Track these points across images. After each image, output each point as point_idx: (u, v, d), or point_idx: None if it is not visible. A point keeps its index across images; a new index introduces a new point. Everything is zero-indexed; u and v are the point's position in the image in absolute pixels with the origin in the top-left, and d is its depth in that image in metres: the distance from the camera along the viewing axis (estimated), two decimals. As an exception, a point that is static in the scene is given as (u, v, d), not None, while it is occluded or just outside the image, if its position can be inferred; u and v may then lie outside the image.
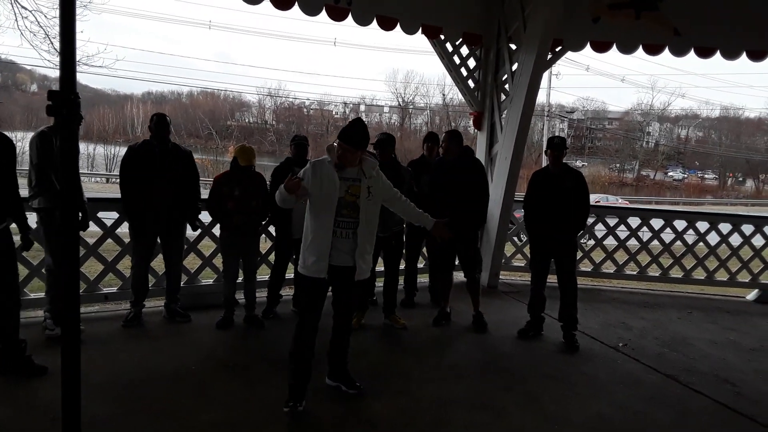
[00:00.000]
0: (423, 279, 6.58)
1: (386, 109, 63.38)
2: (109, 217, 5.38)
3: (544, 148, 5.25)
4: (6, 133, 3.95)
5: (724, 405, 4.13)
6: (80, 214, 4.58)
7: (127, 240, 5.29)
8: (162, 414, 3.51)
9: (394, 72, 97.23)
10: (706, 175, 59.32)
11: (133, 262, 5.12)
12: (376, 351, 4.78)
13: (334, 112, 63.11)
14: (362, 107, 61.81)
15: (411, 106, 62.30)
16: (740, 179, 58.58)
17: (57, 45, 12.17)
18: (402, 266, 5.85)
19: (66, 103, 1.21)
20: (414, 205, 4.02)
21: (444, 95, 57.94)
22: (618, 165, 58.79)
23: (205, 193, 5.24)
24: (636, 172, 58.43)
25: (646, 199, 41.23)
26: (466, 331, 5.43)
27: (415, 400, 3.89)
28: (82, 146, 41.59)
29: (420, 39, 6.82)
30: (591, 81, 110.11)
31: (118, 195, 4.99)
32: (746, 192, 54.35)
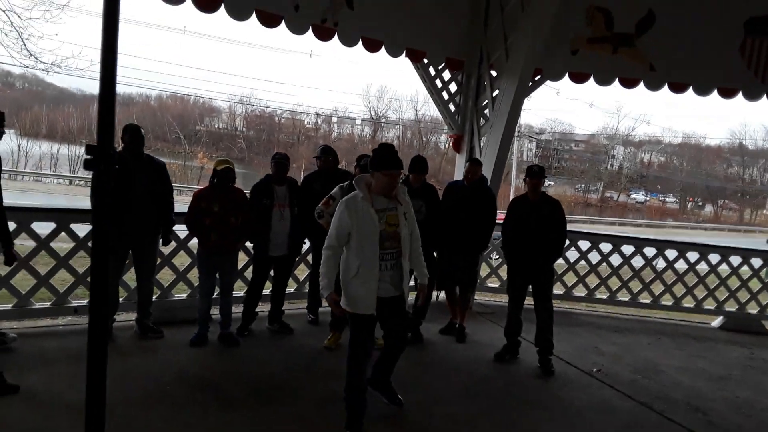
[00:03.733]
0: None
1: (358, 122, 63.48)
2: (81, 228, 5.24)
3: (523, 177, 5.34)
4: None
5: (695, 434, 4.23)
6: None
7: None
8: (137, 437, 3.41)
9: (367, 86, 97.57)
10: (667, 199, 61.05)
11: None
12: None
13: (305, 122, 62.85)
14: (334, 118, 61.61)
15: (383, 120, 62.60)
16: (699, 204, 60.44)
17: (30, 47, 11.93)
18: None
19: (104, 158, 1.18)
20: (420, 250, 3.85)
21: (416, 110, 58.33)
22: (583, 186, 60.07)
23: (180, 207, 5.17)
24: (600, 194, 59.77)
25: (609, 220, 42.12)
26: (444, 352, 5.47)
27: (392, 425, 3.88)
28: (46, 146, 40.58)
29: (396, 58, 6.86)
30: (560, 104, 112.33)
31: (88, 206, 4.86)
32: (705, 216, 56.05)
